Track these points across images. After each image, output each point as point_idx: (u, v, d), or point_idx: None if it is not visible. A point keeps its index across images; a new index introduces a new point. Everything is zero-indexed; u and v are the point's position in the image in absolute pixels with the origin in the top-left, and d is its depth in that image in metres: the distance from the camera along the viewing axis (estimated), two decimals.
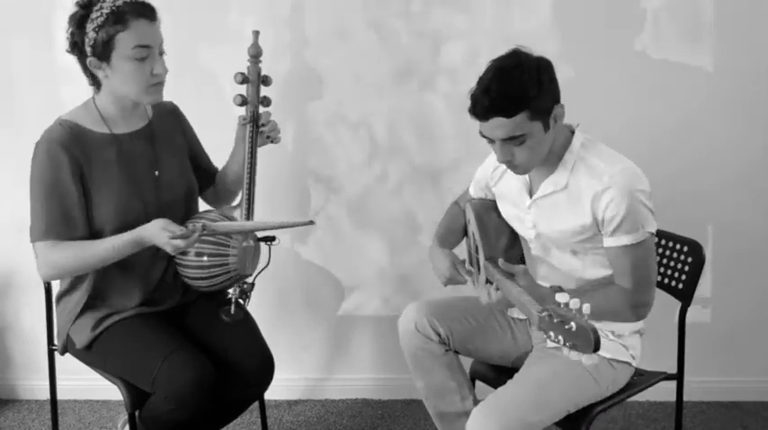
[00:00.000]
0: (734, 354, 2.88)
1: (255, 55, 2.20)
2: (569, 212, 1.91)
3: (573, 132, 1.94)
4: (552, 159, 1.92)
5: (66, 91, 2.70)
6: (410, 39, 2.72)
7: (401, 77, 2.75)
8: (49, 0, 2.68)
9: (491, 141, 1.86)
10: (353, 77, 2.75)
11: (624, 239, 1.86)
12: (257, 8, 2.71)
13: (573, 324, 1.43)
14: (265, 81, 2.22)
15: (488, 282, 1.94)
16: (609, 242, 1.88)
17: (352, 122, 2.79)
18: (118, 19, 1.94)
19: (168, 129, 2.20)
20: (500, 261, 1.84)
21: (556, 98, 1.84)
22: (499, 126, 1.79)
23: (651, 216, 1.87)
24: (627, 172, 1.85)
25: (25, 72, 2.76)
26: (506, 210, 2.09)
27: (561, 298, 1.50)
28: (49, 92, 2.74)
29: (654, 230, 1.89)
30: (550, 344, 1.77)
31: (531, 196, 1.99)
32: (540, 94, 1.79)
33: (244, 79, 2.18)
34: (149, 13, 1.99)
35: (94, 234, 2.04)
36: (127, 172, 2.07)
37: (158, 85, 2.03)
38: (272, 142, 2.22)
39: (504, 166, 2.06)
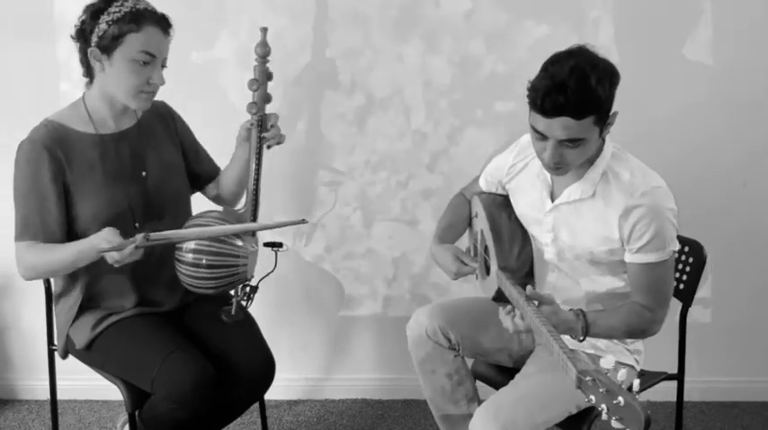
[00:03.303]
0: (734, 354, 2.88)
1: (264, 54, 2.13)
2: (593, 222, 1.88)
3: (603, 139, 1.89)
4: (581, 165, 1.87)
5: (65, 91, 2.70)
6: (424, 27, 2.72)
7: (415, 71, 2.73)
8: (48, 0, 2.68)
9: (542, 138, 1.79)
10: (363, 72, 2.74)
11: (648, 257, 1.84)
12: (255, 4, 2.70)
13: (621, 399, 1.39)
14: (269, 78, 2.17)
15: (500, 295, 1.93)
16: (632, 258, 1.86)
17: (358, 121, 2.78)
18: (134, 19, 1.95)
19: (158, 128, 2.18)
20: (528, 288, 1.78)
21: (612, 104, 1.79)
22: (564, 127, 1.73)
23: (675, 234, 1.86)
24: (659, 191, 1.83)
25: (25, 72, 2.76)
26: (522, 211, 2.06)
27: (605, 363, 1.47)
28: (48, 92, 2.74)
29: (677, 248, 1.88)
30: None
31: (552, 200, 1.96)
32: (608, 99, 1.75)
33: (258, 85, 2.13)
34: (165, 26, 2.01)
35: (80, 236, 2.04)
36: (112, 173, 2.06)
37: (150, 93, 2.03)
38: (277, 143, 2.18)
39: (523, 163, 2.04)
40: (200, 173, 2.29)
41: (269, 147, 2.17)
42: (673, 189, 1.88)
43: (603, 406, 1.42)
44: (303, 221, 1.99)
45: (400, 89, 2.73)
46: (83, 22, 1.99)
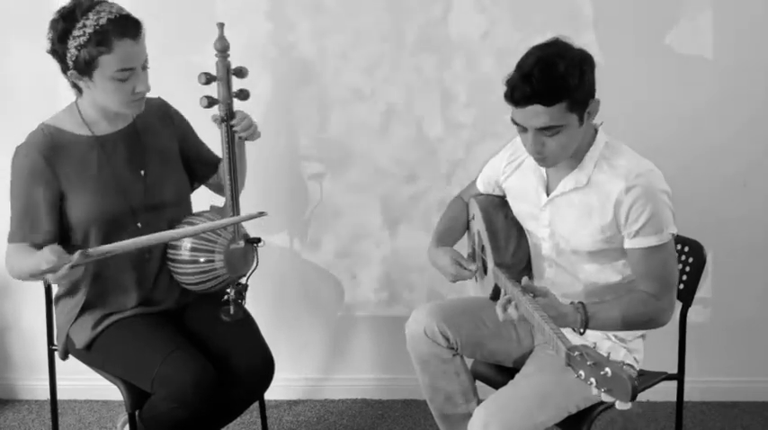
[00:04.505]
0: (734, 354, 2.88)
1: (222, 49, 2.08)
2: (590, 211, 1.89)
3: (596, 131, 1.92)
4: (574, 157, 1.90)
5: (65, 92, 2.70)
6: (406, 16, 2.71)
7: (399, 58, 2.72)
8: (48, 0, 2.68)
9: (523, 130, 1.83)
10: (346, 61, 2.73)
11: (648, 241, 1.84)
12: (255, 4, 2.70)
13: (608, 370, 1.41)
14: (239, 74, 2.10)
15: (498, 292, 1.92)
16: (631, 244, 1.87)
17: (347, 112, 2.78)
18: (102, 41, 1.89)
19: (155, 125, 2.17)
20: (524, 280, 1.80)
21: (592, 92, 1.83)
22: (536, 114, 1.77)
23: (672, 217, 1.87)
24: (653, 173, 1.85)
25: (25, 73, 2.76)
26: (519, 208, 2.07)
27: (593, 337, 1.49)
28: (48, 93, 2.73)
29: (675, 232, 1.88)
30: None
31: (547, 194, 1.97)
32: (581, 85, 1.77)
33: (208, 79, 2.06)
34: (134, 31, 1.93)
35: (81, 237, 2.05)
36: (110, 173, 2.06)
37: (140, 99, 2.02)
38: (248, 139, 2.13)
39: (517, 161, 2.05)
40: (203, 166, 2.29)
41: (246, 138, 2.11)
42: (673, 189, 1.88)
43: (592, 379, 1.45)
44: (262, 214, 1.97)
45: (412, 99, 2.75)
46: (52, 42, 1.95)
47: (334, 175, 2.82)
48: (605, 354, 1.45)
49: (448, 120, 2.76)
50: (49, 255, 1.82)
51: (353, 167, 2.81)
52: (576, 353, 1.48)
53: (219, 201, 2.30)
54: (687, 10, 2.64)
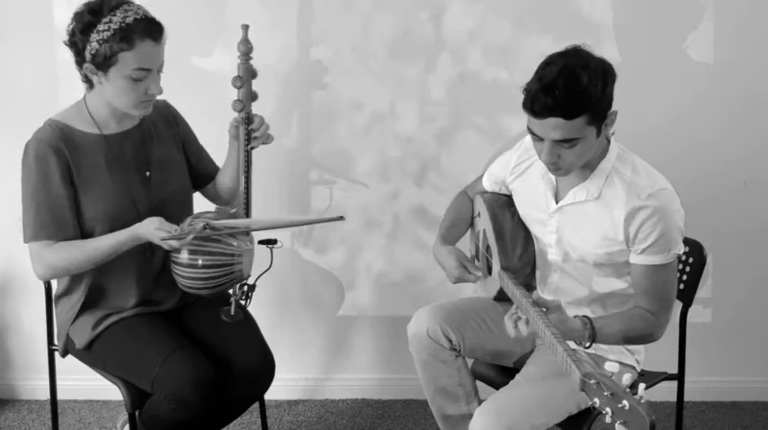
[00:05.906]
0: (734, 354, 2.88)
1: (246, 52, 2.09)
2: (599, 224, 1.88)
3: (608, 140, 1.90)
4: (586, 166, 1.87)
5: (65, 92, 2.70)
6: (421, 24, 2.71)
7: (409, 67, 2.73)
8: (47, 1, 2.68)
9: (539, 139, 1.80)
10: (357, 69, 2.73)
11: (652, 259, 1.84)
12: (254, 4, 2.70)
13: (626, 403, 1.38)
14: (254, 75, 2.12)
15: (502, 295, 1.91)
16: (636, 259, 1.86)
17: (354, 117, 2.78)
18: (125, 37, 1.91)
19: (160, 128, 2.18)
20: (535, 294, 1.78)
21: (611, 103, 1.79)
22: (556, 127, 1.73)
23: (681, 238, 1.86)
24: (665, 192, 1.83)
25: (25, 72, 2.76)
26: (526, 212, 2.05)
27: (610, 367, 1.47)
28: (48, 92, 2.74)
29: (681, 252, 1.88)
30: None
31: (556, 201, 1.95)
32: (602, 98, 1.74)
33: (242, 83, 2.10)
34: (156, 34, 1.96)
35: (85, 234, 2.04)
36: (117, 172, 2.07)
37: (149, 101, 2.03)
38: (264, 143, 2.16)
39: (527, 164, 2.04)
40: (202, 173, 2.29)
41: (253, 147, 2.13)
42: (673, 188, 1.88)
43: (608, 409, 1.42)
44: (341, 218, 2.01)
45: (395, 102, 2.74)
46: (73, 34, 1.96)
47: (339, 173, 2.82)
48: (623, 385, 1.43)
49: (460, 128, 2.76)
50: (163, 224, 1.94)
51: (359, 166, 2.81)
52: (593, 381, 1.45)
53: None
54: (689, 12, 2.64)
